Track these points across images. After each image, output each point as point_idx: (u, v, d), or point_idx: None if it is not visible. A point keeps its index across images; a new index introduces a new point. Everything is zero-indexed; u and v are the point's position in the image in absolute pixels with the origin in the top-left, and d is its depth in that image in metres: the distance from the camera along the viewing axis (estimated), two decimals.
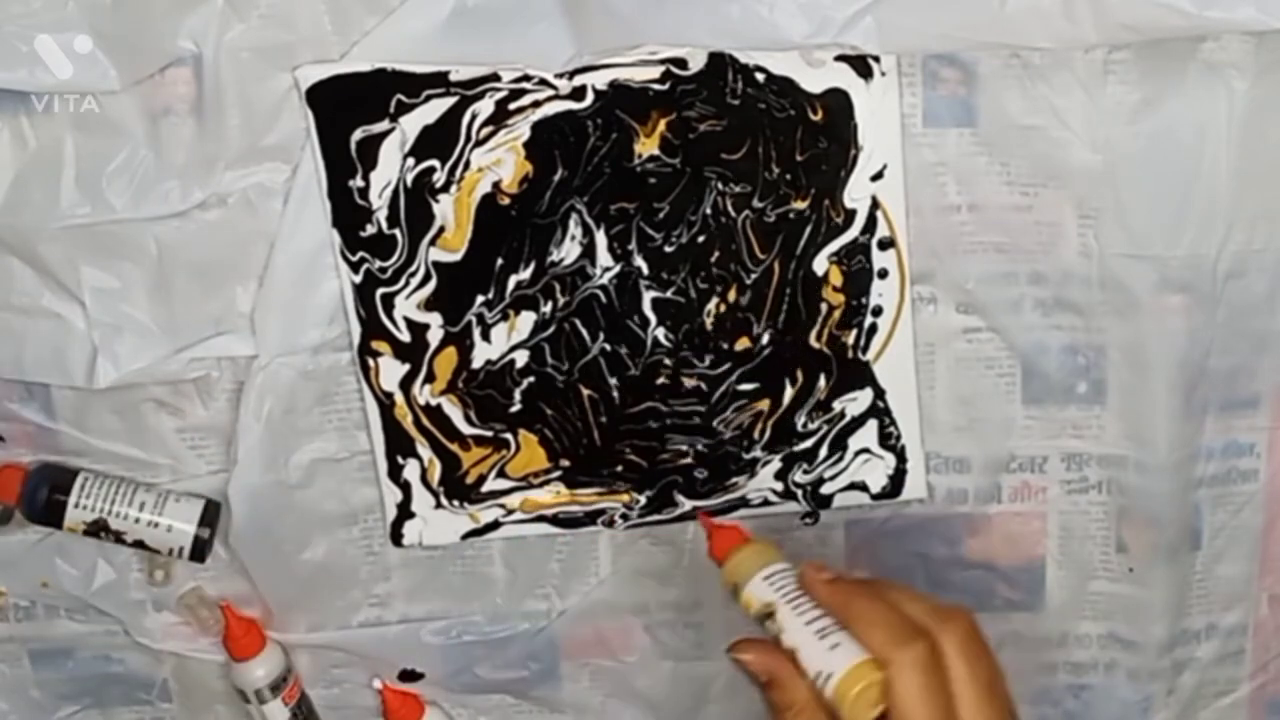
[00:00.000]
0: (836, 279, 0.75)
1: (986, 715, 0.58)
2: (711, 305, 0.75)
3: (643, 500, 0.79)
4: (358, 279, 0.73)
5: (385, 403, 0.76)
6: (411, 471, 0.78)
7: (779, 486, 0.79)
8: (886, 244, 0.74)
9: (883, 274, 0.75)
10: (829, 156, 0.72)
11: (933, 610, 0.60)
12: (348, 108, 0.70)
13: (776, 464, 0.79)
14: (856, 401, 0.77)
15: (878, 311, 0.76)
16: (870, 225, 0.74)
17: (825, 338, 0.76)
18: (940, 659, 0.58)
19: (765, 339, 0.76)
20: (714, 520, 0.71)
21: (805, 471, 0.79)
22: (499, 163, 0.72)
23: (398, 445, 0.77)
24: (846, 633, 0.61)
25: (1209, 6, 0.64)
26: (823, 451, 0.79)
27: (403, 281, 0.73)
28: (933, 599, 0.62)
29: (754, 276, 0.74)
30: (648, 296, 0.74)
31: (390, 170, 0.71)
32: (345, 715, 0.85)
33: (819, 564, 0.65)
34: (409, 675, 0.83)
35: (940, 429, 0.78)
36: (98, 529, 0.77)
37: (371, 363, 0.75)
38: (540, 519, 0.79)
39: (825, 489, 0.79)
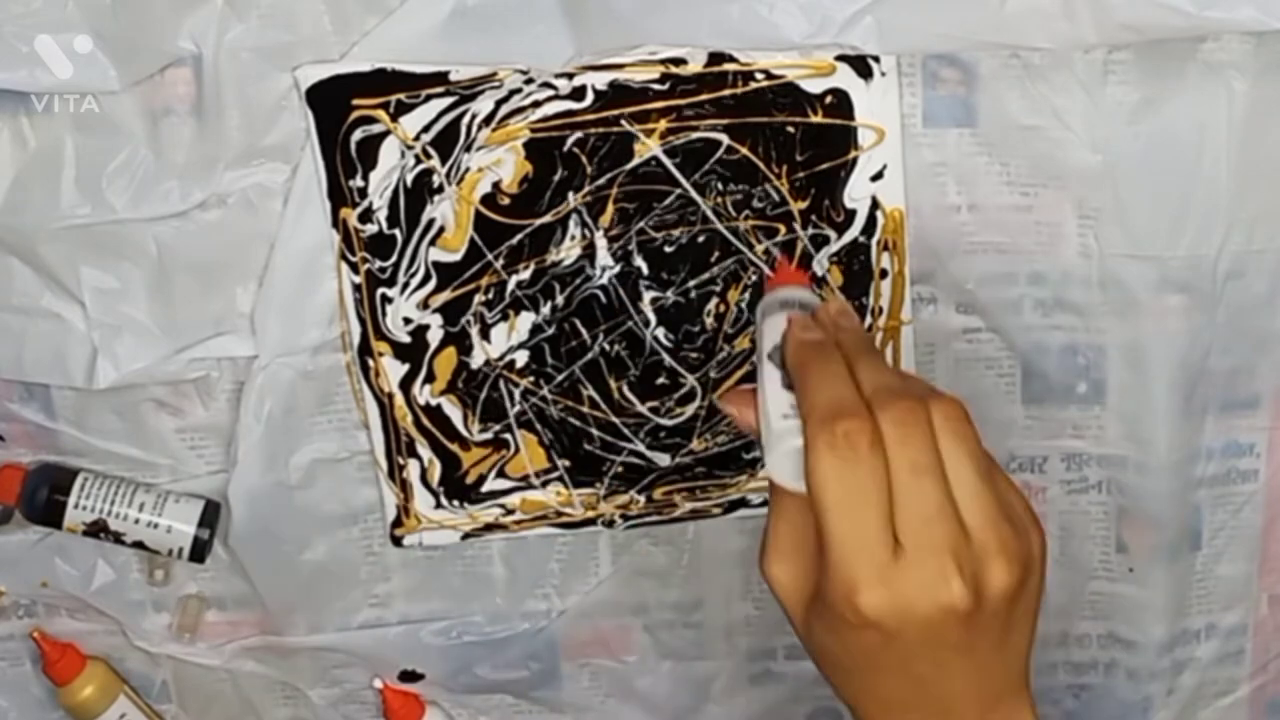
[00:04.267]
0: (836, 279, 0.75)
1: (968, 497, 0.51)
2: (711, 305, 0.75)
3: (642, 500, 0.79)
4: (358, 279, 0.73)
5: (385, 403, 0.76)
6: (411, 471, 0.78)
7: None
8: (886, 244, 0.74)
9: (883, 274, 0.75)
10: (829, 156, 0.72)
11: (886, 389, 0.52)
12: (348, 108, 0.70)
13: None
14: None
15: (877, 312, 0.76)
16: (870, 225, 0.74)
17: None
18: (874, 444, 0.50)
19: None
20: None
21: None
22: (499, 163, 0.72)
23: (398, 445, 0.77)
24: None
25: (1209, 6, 0.64)
26: None
27: (402, 281, 0.73)
28: (905, 380, 0.54)
29: (754, 277, 0.74)
30: (648, 296, 0.74)
31: (390, 171, 0.71)
32: (345, 715, 0.85)
33: (805, 322, 0.58)
34: (409, 675, 0.83)
35: None
36: (97, 529, 0.76)
37: (372, 363, 0.75)
38: (540, 519, 0.79)
39: None
